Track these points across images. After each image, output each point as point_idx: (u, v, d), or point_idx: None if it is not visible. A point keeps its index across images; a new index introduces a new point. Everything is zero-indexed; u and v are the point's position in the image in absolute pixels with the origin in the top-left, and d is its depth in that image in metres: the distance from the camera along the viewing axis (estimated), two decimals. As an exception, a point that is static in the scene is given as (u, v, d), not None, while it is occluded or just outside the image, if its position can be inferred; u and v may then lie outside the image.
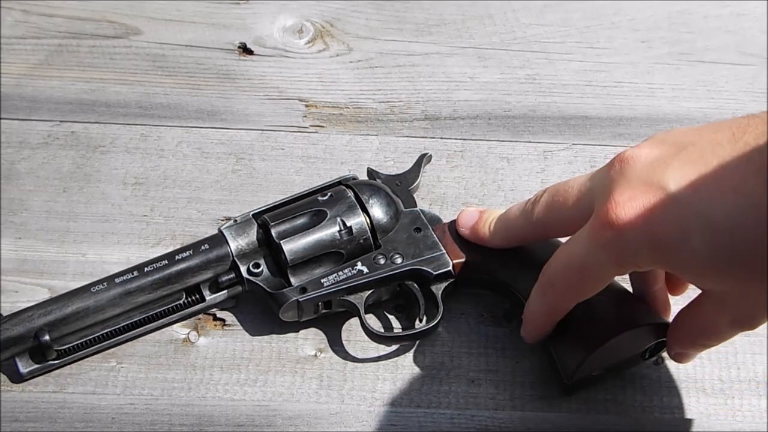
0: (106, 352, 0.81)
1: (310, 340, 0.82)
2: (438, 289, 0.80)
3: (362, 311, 0.79)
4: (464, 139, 0.93)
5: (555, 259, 0.72)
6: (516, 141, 0.93)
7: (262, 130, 0.93)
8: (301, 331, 0.82)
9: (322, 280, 0.80)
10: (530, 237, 0.77)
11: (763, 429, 0.79)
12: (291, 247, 0.80)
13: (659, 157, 0.66)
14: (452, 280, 0.80)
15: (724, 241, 0.63)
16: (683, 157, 0.65)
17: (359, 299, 0.80)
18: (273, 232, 0.80)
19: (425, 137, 0.93)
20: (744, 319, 0.69)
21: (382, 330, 0.82)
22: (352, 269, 0.80)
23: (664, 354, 0.81)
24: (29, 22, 0.99)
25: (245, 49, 0.98)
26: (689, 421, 0.79)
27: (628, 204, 0.66)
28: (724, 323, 0.70)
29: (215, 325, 0.83)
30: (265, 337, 0.82)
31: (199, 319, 0.83)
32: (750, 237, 0.62)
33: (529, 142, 0.93)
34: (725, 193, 0.63)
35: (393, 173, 0.87)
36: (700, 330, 0.72)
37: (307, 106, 0.95)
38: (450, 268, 0.80)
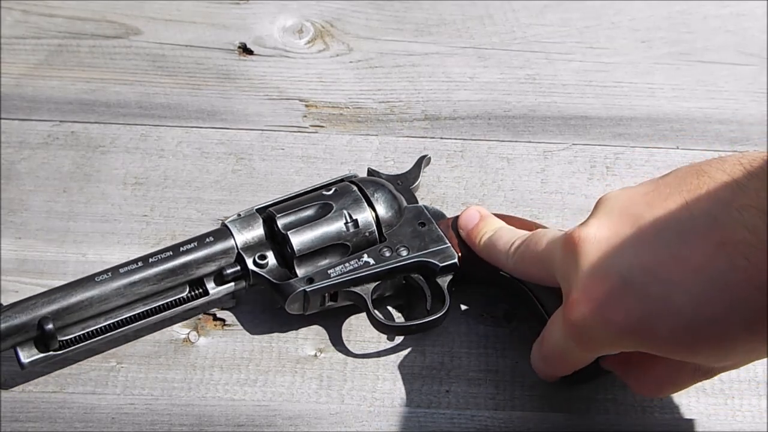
0: (106, 352, 0.81)
1: (310, 340, 0.82)
2: (444, 281, 0.80)
3: (369, 302, 0.79)
4: (464, 139, 0.93)
5: (545, 336, 0.74)
6: (516, 141, 0.93)
7: (262, 130, 0.93)
8: (301, 331, 0.82)
9: (329, 271, 0.80)
10: (510, 271, 0.78)
11: (763, 429, 0.79)
12: (298, 238, 0.79)
13: (611, 239, 0.65)
14: (458, 270, 0.80)
15: (688, 324, 0.61)
16: (636, 237, 0.63)
17: (365, 291, 0.80)
18: (279, 223, 0.80)
19: (425, 137, 0.93)
20: (706, 371, 0.71)
21: (389, 320, 0.82)
22: (359, 260, 0.80)
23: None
24: (29, 22, 0.99)
25: (245, 49, 0.98)
26: (689, 421, 0.79)
27: (586, 301, 0.65)
28: (687, 374, 0.71)
29: (215, 325, 0.83)
30: (265, 337, 0.82)
31: (199, 319, 0.83)
32: (717, 315, 0.60)
33: (529, 142, 0.93)
34: (686, 274, 0.61)
35: (393, 173, 0.87)
36: (665, 379, 0.72)
37: (307, 106, 0.95)
38: (456, 260, 0.80)
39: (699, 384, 0.80)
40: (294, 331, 0.82)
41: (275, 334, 0.82)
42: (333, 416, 0.79)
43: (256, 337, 0.82)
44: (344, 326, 0.83)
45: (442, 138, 0.93)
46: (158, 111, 0.94)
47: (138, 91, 0.95)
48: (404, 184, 0.86)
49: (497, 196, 0.90)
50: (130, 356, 0.81)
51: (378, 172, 0.86)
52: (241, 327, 0.83)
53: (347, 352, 0.82)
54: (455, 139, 0.93)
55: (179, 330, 0.82)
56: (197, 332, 0.83)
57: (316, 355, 0.81)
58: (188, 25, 0.99)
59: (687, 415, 0.79)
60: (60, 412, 0.78)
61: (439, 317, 0.80)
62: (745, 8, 1.01)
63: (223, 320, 0.83)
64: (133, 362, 0.81)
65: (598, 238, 0.66)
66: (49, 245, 0.86)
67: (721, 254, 0.59)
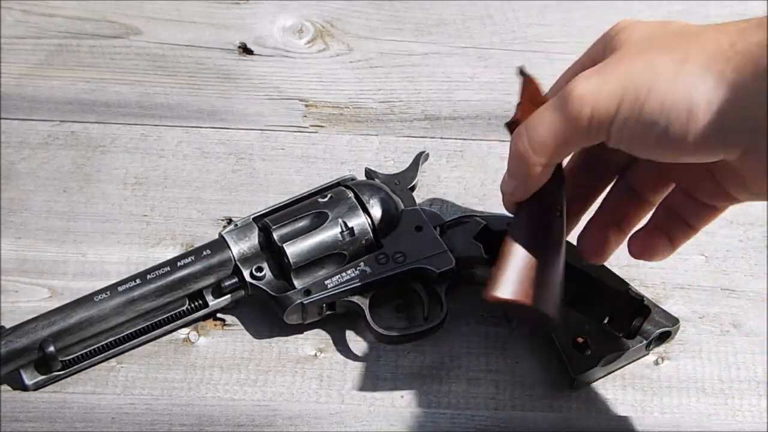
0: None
1: (311, 340, 0.82)
2: (441, 287, 0.80)
3: (367, 311, 0.79)
4: (464, 139, 0.93)
5: (531, 119, 0.69)
6: (516, 141, 0.92)
7: (262, 130, 0.93)
8: (302, 331, 0.82)
9: (325, 282, 0.80)
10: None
11: (763, 429, 0.79)
12: (294, 250, 0.80)
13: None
14: (455, 274, 0.80)
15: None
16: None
17: (363, 300, 0.80)
18: (275, 235, 0.80)
19: (425, 137, 0.93)
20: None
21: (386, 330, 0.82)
22: (355, 270, 0.80)
23: (665, 354, 0.81)
24: (29, 22, 0.99)
25: (245, 49, 0.98)
26: (689, 421, 0.79)
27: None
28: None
29: (215, 325, 0.83)
30: (265, 337, 0.82)
31: (199, 319, 0.83)
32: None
33: (529, 142, 0.92)
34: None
35: (391, 173, 0.87)
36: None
37: (307, 106, 0.95)
38: (453, 265, 0.80)
39: (699, 384, 0.80)
40: (294, 331, 0.82)
41: (275, 334, 0.82)
42: (333, 416, 0.79)
43: (256, 337, 0.82)
44: (344, 326, 0.83)
45: (442, 138, 0.93)
46: (158, 111, 0.94)
47: (138, 91, 0.95)
48: (402, 183, 0.86)
49: (497, 196, 0.89)
50: (130, 356, 0.81)
51: (375, 172, 0.86)
52: (241, 327, 0.83)
53: (347, 352, 0.82)
54: (455, 139, 0.93)
55: (179, 330, 0.82)
56: (197, 332, 0.83)
57: (316, 355, 0.81)
58: (188, 25, 0.99)
59: (687, 415, 0.79)
60: (60, 412, 0.78)
61: (436, 325, 0.80)
62: (745, 8, 1.00)
63: (223, 320, 0.83)
64: (133, 362, 0.81)
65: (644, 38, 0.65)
66: (49, 245, 0.86)
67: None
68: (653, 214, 0.73)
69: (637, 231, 0.73)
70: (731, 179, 0.67)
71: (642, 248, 0.73)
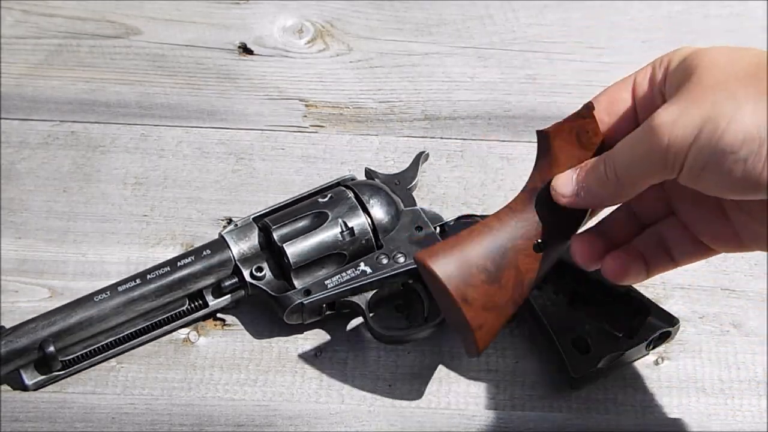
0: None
1: (311, 340, 0.82)
2: None
3: (367, 312, 0.79)
4: (464, 139, 0.93)
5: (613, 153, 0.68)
6: (516, 141, 0.92)
7: (262, 130, 0.93)
8: (302, 331, 0.82)
9: (325, 282, 0.80)
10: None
11: (763, 429, 0.79)
12: (294, 250, 0.80)
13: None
14: None
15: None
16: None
17: (363, 300, 0.80)
18: (275, 235, 0.80)
19: (425, 137, 0.93)
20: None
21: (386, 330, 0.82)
22: (355, 270, 0.80)
23: (665, 354, 0.81)
24: (29, 22, 0.99)
25: (245, 49, 0.98)
26: (689, 421, 0.79)
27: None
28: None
29: (215, 325, 0.83)
30: (265, 336, 0.82)
31: (199, 319, 0.83)
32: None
33: (529, 142, 0.92)
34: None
35: (391, 173, 0.87)
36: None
37: (307, 106, 0.95)
38: None
39: (699, 384, 0.80)
40: (294, 331, 0.82)
41: (275, 334, 0.82)
42: (333, 416, 0.79)
43: (256, 337, 0.82)
44: (344, 326, 0.83)
45: (442, 138, 0.93)
46: (158, 111, 0.94)
47: (138, 91, 0.95)
48: (402, 183, 0.86)
49: (497, 196, 0.90)
50: (130, 356, 0.81)
51: (375, 172, 0.86)
52: (241, 327, 0.83)
53: (347, 352, 0.82)
54: (455, 139, 0.93)
55: (179, 330, 0.82)
56: (197, 332, 0.83)
57: (316, 355, 0.81)
58: (188, 25, 0.99)
59: (687, 415, 0.79)
60: (60, 412, 0.78)
61: (436, 325, 0.79)
62: (745, 8, 1.00)
63: (223, 320, 0.83)
64: (133, 362, 0.81)
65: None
66: (49, 245, 0.86)
67: None
68: (640, 237, 0.71)
69: (617, 250, 0.71)
70: (754, 226, 0.66)
71: (615, 269, 0.70)
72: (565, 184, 0.68)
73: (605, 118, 0.69)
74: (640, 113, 0.68)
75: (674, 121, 0.61)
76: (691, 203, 0.68)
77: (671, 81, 0.65)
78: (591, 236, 0.71)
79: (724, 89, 0.61)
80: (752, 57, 0.63)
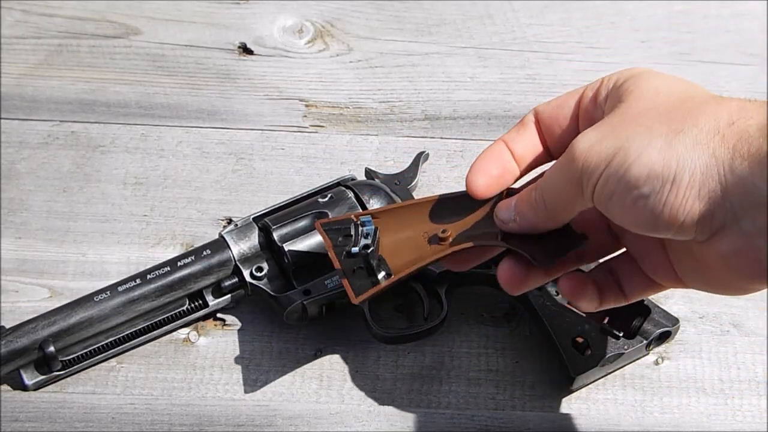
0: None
1: (311, 340, 0.82)
2: (441, 287, 0.80)
3: (367, 311, 0.79)
4: (464, 139, 0.93)
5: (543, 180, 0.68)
6: (516, 141, 0.92)
7: (262, 130, 0.93)
8: (302, 331, 0.82)
9: (325, 282, 0.80)
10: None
11: (763, 429, 0.79)
12: (294, 250, 0.80)
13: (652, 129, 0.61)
14: (455, 274, 0.80)
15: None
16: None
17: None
18: (275, 235, 0.80)
19: (425, 137, 0.93)
20: None
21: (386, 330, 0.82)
22: None
23: (665, 354, 0.81)
24: (29, 22, 0.99)
25: (245, 49, 0.98)
26: (689, 421, 0.79)
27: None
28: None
29: (215, 325, 0.83)
30: (266, 336, 0.82)
31: (199, 319, 0.83)
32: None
33: (529, 142, 0.92)
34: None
35: (391, 173, 0.87)
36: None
37: (307, 106, 0.95)
38: None
39: (699, 384, 0.80)
40: (294, 331, 0.82)
41: (275, 334, 0.82)
42: (333, 416, 0.79)
43: (256, 337, 0.82)
44: (344, 326, 0.83)
45: (442, 138, 0.93)
46: (158, 111, 0.94)
47: (138, 91, 0.95)
48: (402, 183, 0.86)
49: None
50: (130, 356, 0.81)
51: (375, 172, 0.86)
52: (242, 327, 0.83)
53: (347, 352, 0.82)
54: (455, 139, 0.93)
55: (179, 330, 0.82)
56: (197, 332, 0.83)
57: (316, 355, 0.81)
58: (188, 25, 0.99)
59: (687, 415, 0.79)
60: (60, 412, 0.78)
61: (436, 325, 0.80)
62: (745, 8, 1.01)
63: (223, 320, 0.83)
64: (133, 362, 0.81)
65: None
66: (49, 245, 0.86)
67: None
68: (595, 269, 0.71)
69: (574, 272, 0.70)
70: (686, 262, 0.65)
71: (570, 290, 0.70)
72: (506, 210, 0.68)
73: (549, 122, 0.69)
74: (581, 125, 0.68)
75: (590, 147, 0.61)
76: (636, 236, 0.67)
77: (609, 102, 0.66)
78: (512, 262, 0.69)
79: (643, 123, 0.61)
80: (682, 92, 0.63)
